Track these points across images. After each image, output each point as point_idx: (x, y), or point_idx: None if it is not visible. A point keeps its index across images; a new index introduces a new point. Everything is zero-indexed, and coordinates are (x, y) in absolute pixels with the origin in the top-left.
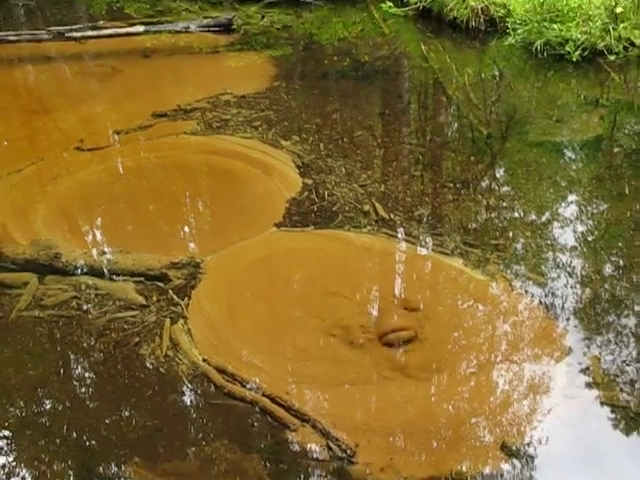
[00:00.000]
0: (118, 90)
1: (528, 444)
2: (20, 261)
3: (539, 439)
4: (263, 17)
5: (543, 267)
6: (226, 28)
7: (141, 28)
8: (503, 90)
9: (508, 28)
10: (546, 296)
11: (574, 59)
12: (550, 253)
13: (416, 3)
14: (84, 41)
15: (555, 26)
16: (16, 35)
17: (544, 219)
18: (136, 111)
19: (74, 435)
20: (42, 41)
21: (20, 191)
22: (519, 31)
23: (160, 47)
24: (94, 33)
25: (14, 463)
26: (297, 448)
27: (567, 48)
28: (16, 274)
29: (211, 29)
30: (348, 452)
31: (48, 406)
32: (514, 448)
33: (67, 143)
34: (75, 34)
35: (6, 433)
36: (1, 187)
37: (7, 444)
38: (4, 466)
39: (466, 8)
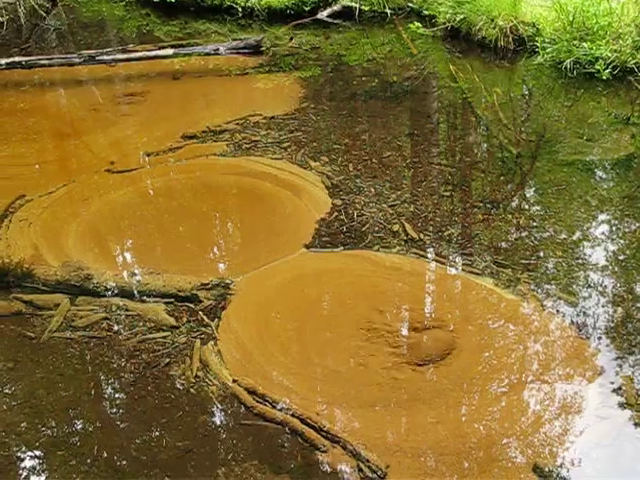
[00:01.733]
0: (148, 112)
1: (561, 465)
2: (52, 282)
3: (572, 460)
4: (292, 38)
5: (574, 286)
6: (255, 50)
7: (170, 51)
8: (533, 109)
9: (537, 47)
10: (577, 315)
11: (604, 77)
12: (581, 272)
13: (444, 23)
14: (114, 64)
15: (585, 44)
16: (48, 59)
17: (575, 238)
18: (166, 133)
19: (105, 455)
20: (73, 64)
21: (52, 213)
22: (548, 50)
23: (189, 69)
24: (124, 56)
25: None
26: (327, 469)
27: (597, 66)
28: (48, 295)
29: (240, 51)
30: (379, 473)
31: (79, 426)
32: (546, 470)
33: (98, 165)
34: (105, 57)
35: (38, 453)
36: (33, 209)
37: (39, 464)
38: None
39: (495, 27)
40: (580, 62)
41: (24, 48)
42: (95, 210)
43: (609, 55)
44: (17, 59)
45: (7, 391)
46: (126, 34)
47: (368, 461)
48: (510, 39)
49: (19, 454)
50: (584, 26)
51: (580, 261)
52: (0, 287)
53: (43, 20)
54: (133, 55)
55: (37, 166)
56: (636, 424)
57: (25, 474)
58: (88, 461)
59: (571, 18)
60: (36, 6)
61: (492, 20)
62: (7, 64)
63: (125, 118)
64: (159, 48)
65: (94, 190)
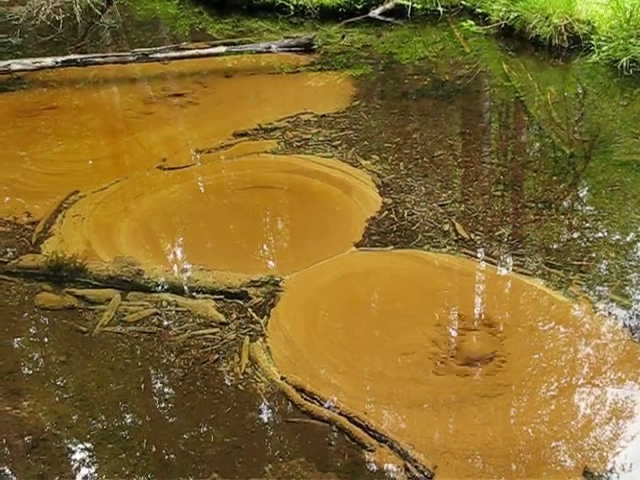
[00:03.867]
0: (199, 110)
1: (611, 470)
2: (103, 277)
3: (622, 466)
4: (343, 36)
5: (627, 289)
6: (307, 48)
7: (223, 49)
8: (587, 108)
9: (592, 45)
10: (630, 319)
11: None
12: (635, 274)
13: (497, 21)
14: (167, 62)
15: None
16: (102, 57)
17: (629, 239)
18: (217, 130)
19: (153, 449)
20: (127, 62)
21: (104, 209)
22: (604, 48)
23: (241, 67)
24: (177, 54)
25: (96, 475)
26: (374, 468)
27: None
28: (99, 290)
29: (292, 49)
30: (426, 474)
31: (129, 420)
32: (597, 474)
33: (150, 162)
34: (159, 55)
35: (88, 446)
36: (86, 205)
37: (89, 456)
38: (86, 477)
39: (549, 26)
40: (637, 60)
41: (79, 46)
42: (147, 207)
43: None
44: (72, 57)
45: (59, 384)
46: (179, 32)
47: (415, 461)
48: (565, 37)
49: (70, 446)
50: None
51: (634, 263)
52: (54, 281)
53: (98, 18)
54: (186, 53)
55: (90, 162)
56: None
57: (76, 466)
58: (137, 454)
59: (628, 15)
60: (92, 5)
61: (546, 18)
62: (63, 62)
63: (177, 115)
64: (211, 46)
65: (146, 187)
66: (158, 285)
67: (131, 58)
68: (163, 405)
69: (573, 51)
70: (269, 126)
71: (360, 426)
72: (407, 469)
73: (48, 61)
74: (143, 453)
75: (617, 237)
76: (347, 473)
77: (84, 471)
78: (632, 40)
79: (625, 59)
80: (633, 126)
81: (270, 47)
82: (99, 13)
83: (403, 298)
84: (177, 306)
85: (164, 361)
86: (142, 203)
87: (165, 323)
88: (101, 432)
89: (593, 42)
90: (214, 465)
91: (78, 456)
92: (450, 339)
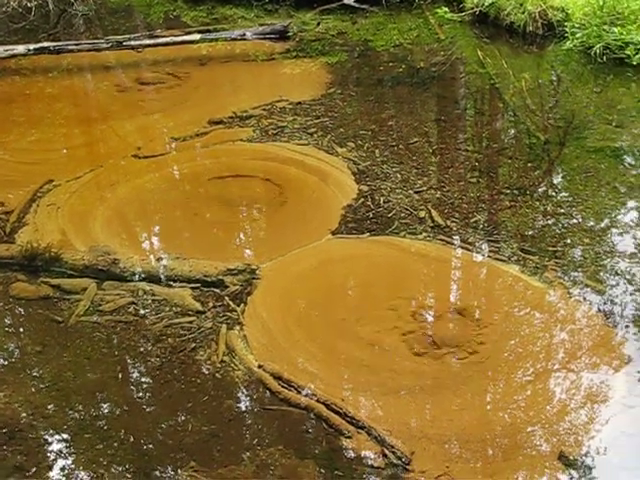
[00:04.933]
0: (174, 98)
1: (586, 454)
2: (79, 267)
3: (597, 449)
4: (319, 24)
5: (601, 274)
6: (282, 35)
7: (197, 36)
8: (561, 95)
9: (566, 32)
10: (605, 304)
11: (634, 63)
12: (609, 260)
13: (472, 8)
14: (141, 50)
15: (615, 29)
16: (75, 44)
17: (603, 225)
18: (192, 118)
19: (131, 439)
20: (101, 50)
21: (79, 198)
22: (578, 35)
23: (216, 55)
24: (151, 41)
25: (73, 466)
26: (352, 455)
27: (627, 51)
28: (75, 280)
29: (267, 36)
30: (404, 460)
31: (106, 410)
32: (572, 458)
33: (125, 151)
34: (133, 43)
35: (65, 436)
36: (60, 194)
37: (66, 447)
38: (63, 468)
39: (523, 12)
40: (610, 47)
41: (52, 34)
42: (122, 195)
43: None
44: (45, 44)
45: (35, 374)
46: (153, 19)
47: (393, 447)
48: (539, 24)
49: (46, 437)
50: (614, 10)
51: (608, 248)
52: (28, 271)
53: (71, 6)
54: (160, 40)
55: (65, 151)
56: None
57: (52, 457)
58: (114, 444)
59: (601, 2)
60: None
61: (521, 5)
62: (35, 49)
63: (152, 103)
64: (186, 33)
65: (121, 175)
66: (134, 274)
67: (105, 46)
68: (140, 394)
69: (547, 38)
70: (244, 114)
71: (337, 413)
72: (385, 455)
73: (20, 49)
74: (120, 443)
75: (591, 223)
76: (325, 460)
77: (61, 462)
78: (605, 27)
79: (598, 46)
80: (606, 113)
81: (245, 34)
82: (72, 0)
83: (380, 285)
84: (153, 295)
85: (141, 350)
86: (117, 192)
87: (142, 312)
88: (78, 422)
89: (567, 29)
90: (192, 454)
91: (55, 447)
92: (427, 325)
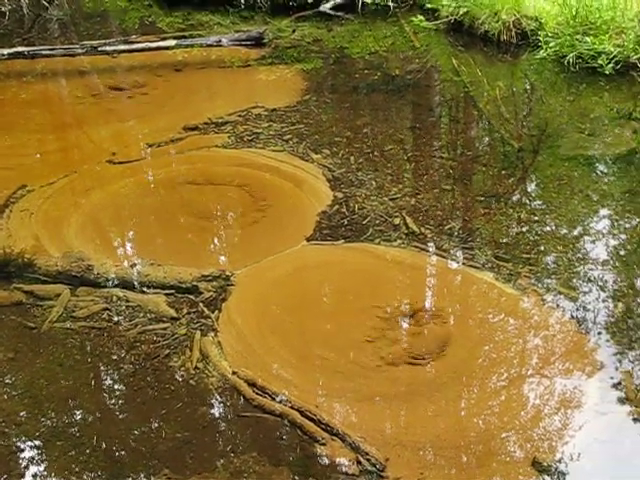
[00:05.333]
0: (150, 103)
1: (560, 460)
2: (52, 273)
3: (571, 455)
4: (294, 31)
5: (575, 281)
6: (257, 42)
7: (173, 42)
8: (535, 104)
9: (540, 41)
10: (577, 310)
11: (607, 72)
12: (582, 267)
13: (447, 17)
14: (116, 55)
15: (588, 39)
16: (50, 49)
17: (576, 233)
18: (167, 124)
19: (104, 446)
20: (75, 55)
21: (53, 203)
22: (551, 44)
23: (191, 61)
24: (126, 47)
25: (45, 473)
26: (326, 462)
27: (600, 61)
28: (48, 286)
29: (242, 43)
30: (378, 466)
31: (79, 417)
32: (545, 464)
33: (99, 156)
34: (108, 48)
35: (37, 443)
36: (34, 199)
37: (38, 454)
38: (35, 476)
39: (497, 21)
40: (583, 57)
41: (26, 38)
42: (96, 201)
43: (612, 50)
44: (19, 49)
45: (7, 381)
46: (128, 25)
47: (367, 454)
48: (513, 33)
49: (19, 444)
50: (587, 20)
51: (581, 256)
52: (1, 277)
53: (45, 10)
54: (135, 46)
55: (38, 156)
56: (635, 419)
57: (24, 464)
58: (87, 451)
59: (574, 12)
60: None
61: (495, 14)
62: (9, 54)
63: (127, 109)
64: (161, 39)
65: (95, 181)
66: (108, 280)
67: (80, 51)
68: (113, 401)
69: (521, 47)
70: (220, 120)
71: (312, 420)
72: (359, 462)
73: None
74: (93, 450)
75: (564, 230)
76: (299, 467)
77: (33, 469)
78: (578, 37)
79: (572, 55)
80: (579, 121)
81: (221, 41)
82: (46, 5)
83: (354, 292)
84: (127, 301)
85: (114, 357)
86: (92, 197)
87: (115, 318)
88: (50, 429)
89: (540, 38)
90: (165, 461)
91: (27, 454)
92: (401, 332)
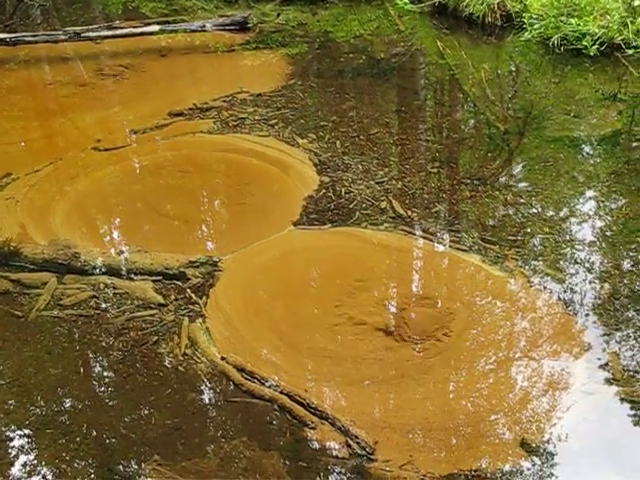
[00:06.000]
0: (134, 90)
1: (548, 441)
2: (39, 261)
3: (559, 436)
4: (278, 15)
5: (561, 263)
6: (242, 26)
7: (157, 27)
8: (520, 86)
9: (525, 23)
10: (565, 292)
11: (591, 53)
12: (568, 249)
13: None
14: (100, 41)
15: (572, 20)
16: (33, 36)
17: (562, 215)
18: (153, 110)
19: (94, 433)
20: (58, 41)
21: (38, 191)
22: (536, 26)
23: (176, 46)
24: (110, 33)
25: (35, 462)
26: (316, 445)
27: (584, 42)
28: (35, 274)
29: (227, 28)
30: (367, 449)
31: (68, 405)
32: (534, 445)
33: (84, 143)
34: (91, 34)
35: (27, 432)
36: (19, 187)
37: (28, 443)
38: (25, 464)
39: (482, 4)
40: (567, 38)
41: (8, 25)
42: (82, 188)
43: (596, 31)
44: (1, 36)
45: None
46: (112, 11)
47: (357, 437)
48: (497, 15)
49: (8, 433)
50: (571, 2)
51: (567, 237)
52: None
53: None
54: (119, 32)
55: (23, 144)
56: (622, 399)
57: (14, 453)
58: (77, 439)
59: None
60: None
61: None
62: None
63: (111, 95)
64: (145, 25)
65: (81, 168)
66: (95, 268)
67: (63, 37)
68: (103, 388)
69: (506, 29)
70: (205, 105)
71: (301, 404)
72: (349, 445)
73: None
74: (83, 438)
75: (551, 212)
76: (289, 451)
77: (23, 458)
78: (562, 18)
79: (556, 37)
80: (565, 103)
81: (205, 26)
82: None
83: (341, 276)
84: (115, 288)
85: (103, 344)
86: (77, 185)
87: (103, 306)
88: (40, 418)
89: (525, 20)
90: (155, 447)
91: (17, 443)
92: (389, 315)
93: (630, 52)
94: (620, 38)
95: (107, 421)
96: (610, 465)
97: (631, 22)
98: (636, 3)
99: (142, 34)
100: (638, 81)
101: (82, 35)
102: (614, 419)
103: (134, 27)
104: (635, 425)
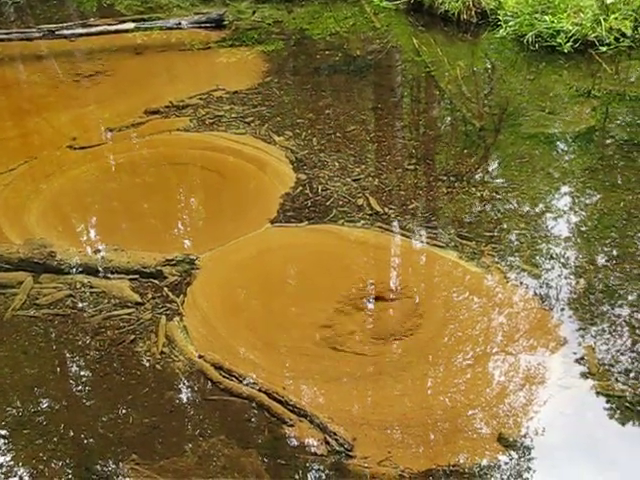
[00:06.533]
0: (110, 88)
1: (525, 435)
2: (14, 260)
3: (535, 430)
4: (254, 12)
5: (537, 258)
6: (217, 24)
7: (132, 25)
8: (495, 83)
9: (499, 20)
10: (541, 287)
11: (566, 50)
12: (544, 244)
13: None
14: (75, 39)
15: (546, 18)
16: (6, 33)
17: (538, 211)
18: (128, 108)
19: (71, 433)
20: (32, 39)
21: (13, 190)
22: (510, 23)
23: (151, 44)
24: (84, 31)
25: (12, 462)
26: (295, 443)
27: (559, 40)
28: (10, 273)
29: (202, 25)
30: (346, 446)
31: (45, 405)
32: (511, 439)
33: (60, 142)
34: (65, 32)
35: (3, 433)
36: None
37: (4, 444)
38: (2, 465)
39: (457, 1)
40: (542, 35)
41: None
42: (58, 187)
43: (570, 28)
44: None
45: None
46: (86, 8)
47: (335, 434)
48: (472, 12)
49: None
50: None
51: (543, 233)
52: None
53: None
54: (94, 29)
55: None
56: (598, 393)
57: None
58: (54, 439)
59: None
60: None
61: None
62: None
63: (86, 93)
64: (120, 22)
65: (56, 167)
66: (71, 267)
67: (37, 35)
68: (80, 388)
69: (481, 26)
70: (181, 103)
71: (279, 402)
72: (327, 442)
73: None
74: (60, 438)
75: (526, 208)
76: (268, 449)
77: (0, 459)
78: (537, 15)
79: (531, 34)
80: (540, 100)
81: (180, 23)
82: None
83: (319, 273)
84: (91, 287)
85: (79, 343)
86: (53, 183)
87: (79, 305)
88: (16, 418)
89: (500, 17)
90: (133, 447)
91: None
92: (367, 312)
93: (603, 49)
94: (594, 35)
95: (84, 421)
96: (586, 458)
97: (604, 20)
98: (609, 1)
99: (117, 32)
100: (612, 78)
101: (56, 33)
102: (590, 413)
103: (109, 25)
104: (610, 418)
